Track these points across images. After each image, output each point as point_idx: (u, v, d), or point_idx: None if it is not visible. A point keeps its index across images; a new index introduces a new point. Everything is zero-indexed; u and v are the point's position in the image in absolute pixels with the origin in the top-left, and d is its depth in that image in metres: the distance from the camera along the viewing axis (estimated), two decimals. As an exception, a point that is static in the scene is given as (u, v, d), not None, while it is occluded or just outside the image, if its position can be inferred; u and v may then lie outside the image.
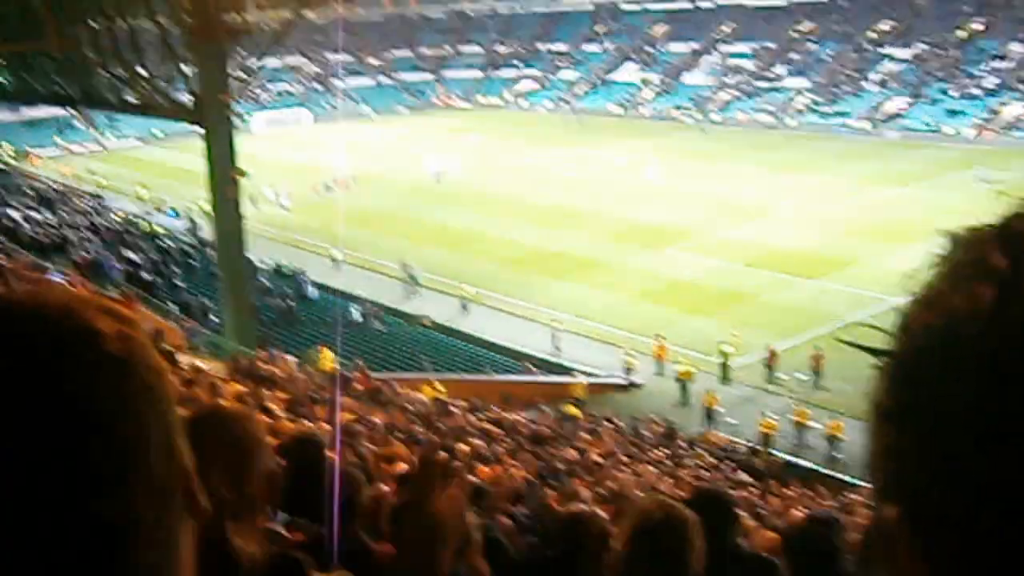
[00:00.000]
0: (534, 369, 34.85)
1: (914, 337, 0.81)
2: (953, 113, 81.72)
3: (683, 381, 34.01)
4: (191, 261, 45.12)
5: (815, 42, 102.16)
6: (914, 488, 0.77)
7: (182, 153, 77.70)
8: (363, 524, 5.01)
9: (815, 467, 28.12)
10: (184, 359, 21.42)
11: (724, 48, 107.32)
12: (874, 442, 0.83)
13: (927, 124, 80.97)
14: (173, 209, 60.24)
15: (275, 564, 2.91)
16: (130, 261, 42.38)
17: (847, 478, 26.70)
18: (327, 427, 13.69)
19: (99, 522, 0.90)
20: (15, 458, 0.86)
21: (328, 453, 5.56)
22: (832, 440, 29.16)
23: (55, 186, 64.63)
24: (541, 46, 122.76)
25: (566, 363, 35.95)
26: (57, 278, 29.10)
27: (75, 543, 0.89)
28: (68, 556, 0.89)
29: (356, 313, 40.04)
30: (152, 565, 0.96)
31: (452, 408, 24.98)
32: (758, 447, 28.71)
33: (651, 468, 22.53)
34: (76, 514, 0.89)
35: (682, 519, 3.44)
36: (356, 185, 65.26)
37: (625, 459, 23.03)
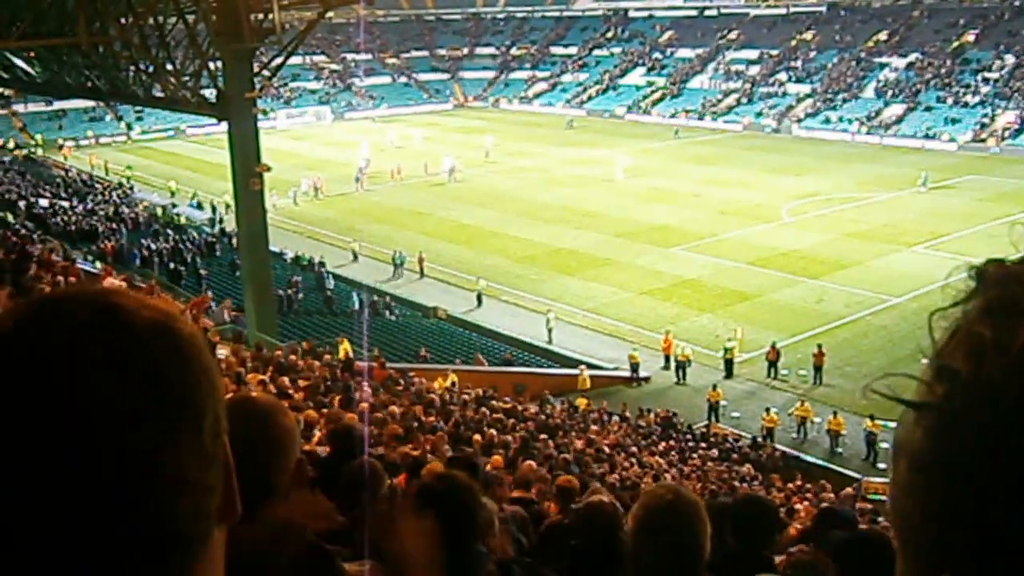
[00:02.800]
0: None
1: (960, 386, 0.72)
2: (948, 120, 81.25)
3: (682, 363, 34.33)
4: (213, 251, 44.99)
5: (816, 50, 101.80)
6: (967, 551, 0.69)
7: (205, 146, 77.82)
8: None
9: (817, 461, 27.89)
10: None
11: (728, 55, 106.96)
12: (912, 498, 0.75)
13: (923, 130, 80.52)
14: (197, 201, 60.13)
15: (306, 556, 2.73)
16: (152, 250, 42.33)
17: (849, 472, 26.58)
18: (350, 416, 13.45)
19: (139, 509, 0.89)
20: (87, 436, 0.87)
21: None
22: (834, 435, 28.86)
23: (83, 176, 64.68)
24: (553, 50, 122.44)
25: (563, 353, 35.89)
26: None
27: (110, 522, 0.88)
28: (103, 541, 0.88)
29: (355, 301, 40.12)
30: (183, 558, 0.94)
31: (465, 398, 24.78)
32: (762, 441, 28.42)
33: (659, 460, 22.34)
34: (119, 497, 0.89)
35: (690, 501, 3.35)
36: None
37: (633, 450, 22.83)
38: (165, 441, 0.92)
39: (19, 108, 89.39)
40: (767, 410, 30.04)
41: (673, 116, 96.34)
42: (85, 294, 0.98)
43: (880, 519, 17.04)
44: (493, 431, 19.43)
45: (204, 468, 0.97)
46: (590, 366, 34.80)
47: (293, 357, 22.27)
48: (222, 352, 20.57)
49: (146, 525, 0.91)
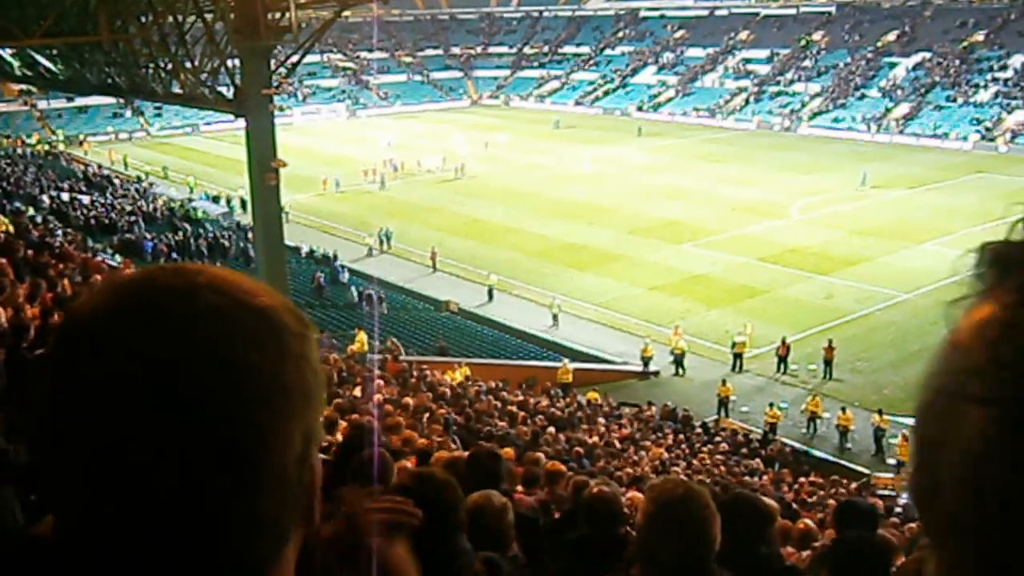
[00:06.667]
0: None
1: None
2: (957, 119, 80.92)
3: (678, 356, 34.31)
4: (226, 243, 44.93)
5: (826, 50, 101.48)
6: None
7: (222, 142, 77.93)
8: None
9: (827, 456, 27.72)
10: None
11: (739, 54, 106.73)
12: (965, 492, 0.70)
13: (932, 129, 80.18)
14: (214, 195, 60.22)
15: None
16: (169, 241, 42.43)
17: (857, 467, 26.47)
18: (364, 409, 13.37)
19: (228, 502, 0.87)
20: (175, 426, 0.84)
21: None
22: (843, 431, 28.62)
23: (103, 171, 64.84)
24: (565, 49, 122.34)
25: (571, 346, 35.66)
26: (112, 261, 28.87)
27: (200, 511, 0.86)
28: (187, 523, 0.86)
29: (354, 294, 40.22)
30: (261, 553, 0.92)
31: (476, 390, 24.74)
32: (772, 436, 28.23)
33: (665, 453, 22.24)
34: (208, 489, 0.86)
35: (701, 495, 3.34)
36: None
37: (645, 444, 22.74)
38: (240, 482, 0.87)
39: (42, 104, 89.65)
40: (770, 405, 29.80)
41: (684, 115, 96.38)
42: (169, 285, 0.91)
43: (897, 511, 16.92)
44: (504, 423, 19.40)
45: (283, 501, 0.92)
46: (600, 360, 34.78)
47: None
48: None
49: (217, 560, 0.88)
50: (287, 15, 30.11)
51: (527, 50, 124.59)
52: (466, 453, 8.16)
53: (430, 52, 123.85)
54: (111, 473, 0.84)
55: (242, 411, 0.86)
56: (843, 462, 27.18)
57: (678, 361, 34.39)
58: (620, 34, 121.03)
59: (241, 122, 32.20)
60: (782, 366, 33.53)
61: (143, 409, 0.83)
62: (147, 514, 0.84)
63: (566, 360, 33.13)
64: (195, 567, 0.87)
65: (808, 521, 10.78)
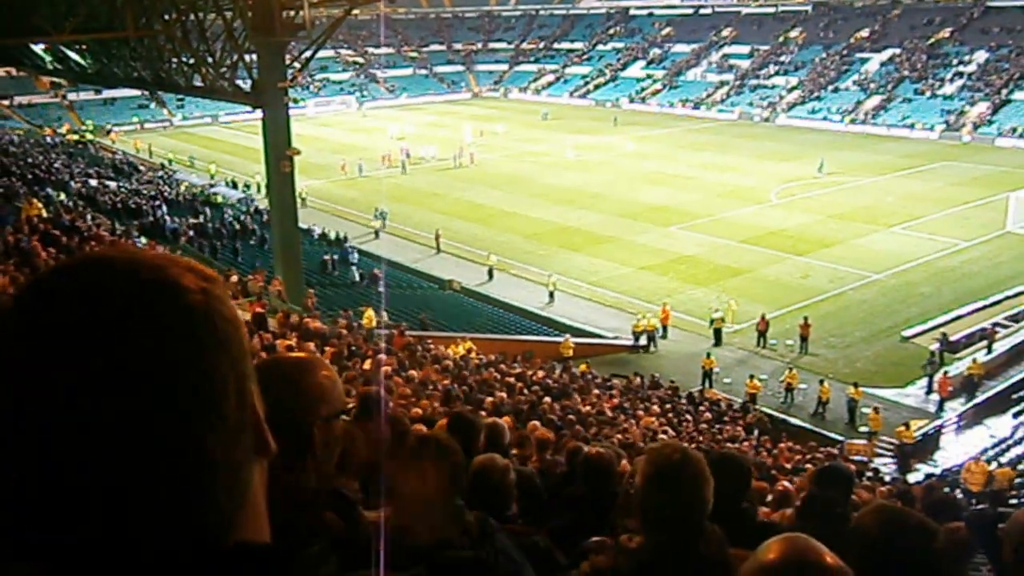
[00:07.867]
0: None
1: None
2: (924, 111, 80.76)
3: (651, 333, 34.30)
4: (237, 225, 44.74)
5: (802, 46, 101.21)
6: None
7: (241, 132, 77.72)
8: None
9: (803, 424, 27.76)
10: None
11: (722, 50, 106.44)
12: None
13: (900, 120, 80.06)
14: (232, 181, 60.09)
15: (327, 501, 2.67)
16: (191, 225, 42.33)
17: (832, 435, 26.52)
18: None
19: (174, 459, 0.89)
20: (101, 400, 0.86)
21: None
22: (823, 402, 28.59)
23: (129, 159, 64.65)
24: (560, 44, 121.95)
25: (566, 322, 35.57)
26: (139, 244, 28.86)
27: (151, 478, 0.88)
28: (145, 489, 0.88)
29: (355, 274, 40.12)
30: (224, 498, 0.94)
31: (477, 363, 24.73)
32: (752, 405, 28.25)
33: (654, 420, 22.24)
34: (153, 452, 0.88)
35: (698, 459, 3.33)
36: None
37: (637, 413, 22.75)
38: (179, 435, 0.90)
39: (72, 96, 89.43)
40: (751, 377, 29.78)
41: (670, 106, 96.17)
42: (87, 263, 0.95)
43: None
44: (503, 394, 19.39)
45: (229, 441, 0.94)
46: (593, 335, 34.77)
47: (320, 324, 22.26)
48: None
49: (172, 525, 0.90)
50: (301, 13, 30.16)
51: (524, 46, 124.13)
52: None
53: (434, 48, 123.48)
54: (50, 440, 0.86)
55: (159, 369, 0.89)
56: (818, 430, 27.27)
57: (651, 338, 34.39)
58: (611, 31, 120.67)
59: (258, 113, 32.21)
60: (762, 341, 33.53)
61: (53, 383, 0.86)
62: (84, 491, 0.86)
63: (568, 336, 33.13)
64: (160, 519, 0.89)
65: (786, 483, 10.81)
